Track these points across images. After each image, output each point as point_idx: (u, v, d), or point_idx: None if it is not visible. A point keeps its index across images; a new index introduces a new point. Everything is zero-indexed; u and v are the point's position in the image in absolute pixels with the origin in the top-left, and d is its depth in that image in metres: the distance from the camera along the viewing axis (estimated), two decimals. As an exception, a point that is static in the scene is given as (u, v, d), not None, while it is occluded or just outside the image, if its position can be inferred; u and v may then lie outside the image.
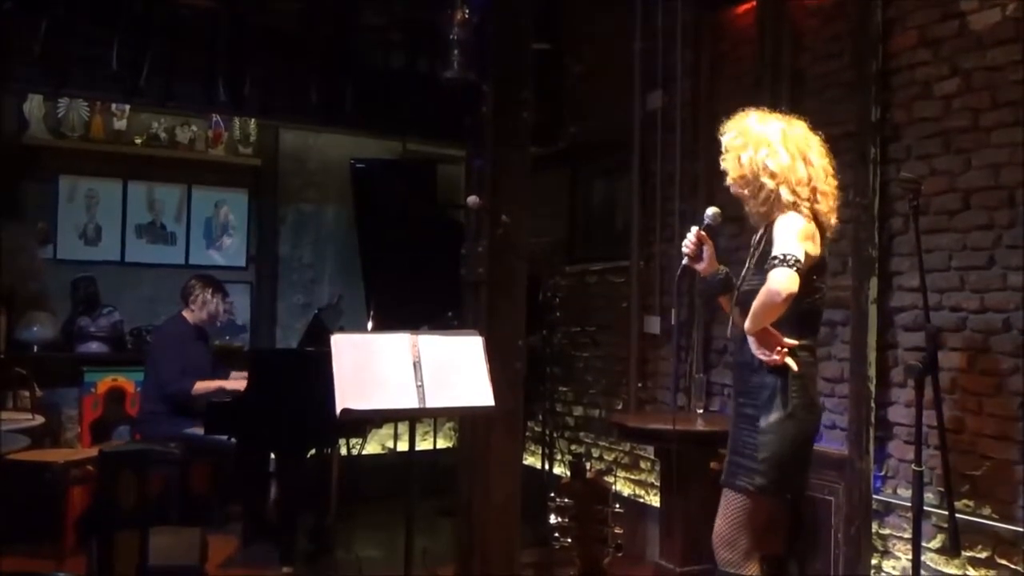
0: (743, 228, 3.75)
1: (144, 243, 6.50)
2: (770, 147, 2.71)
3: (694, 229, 2.87)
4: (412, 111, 5.68)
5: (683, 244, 2.87)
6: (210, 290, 5.34)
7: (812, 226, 2.69)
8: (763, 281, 2.66)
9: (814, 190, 2.71)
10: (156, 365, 5.12)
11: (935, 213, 3.54)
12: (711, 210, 2.87)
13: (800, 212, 2.68)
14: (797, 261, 2.56)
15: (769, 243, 2.70)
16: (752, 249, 2.91)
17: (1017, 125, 3.28)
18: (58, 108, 6.12)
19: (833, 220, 2.78)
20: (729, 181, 2.81)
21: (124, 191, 6.44)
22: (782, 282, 2.53)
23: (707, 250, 2.87)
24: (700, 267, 2.90)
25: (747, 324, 2.68)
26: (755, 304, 2.62)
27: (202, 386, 5.03)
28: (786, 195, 2.67)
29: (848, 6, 4.00)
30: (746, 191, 2.76)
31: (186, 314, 5.32)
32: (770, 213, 2.73)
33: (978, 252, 3.41)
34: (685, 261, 2.87)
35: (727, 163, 2.80)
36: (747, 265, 2.88)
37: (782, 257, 2.56)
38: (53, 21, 4.68)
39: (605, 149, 5.71)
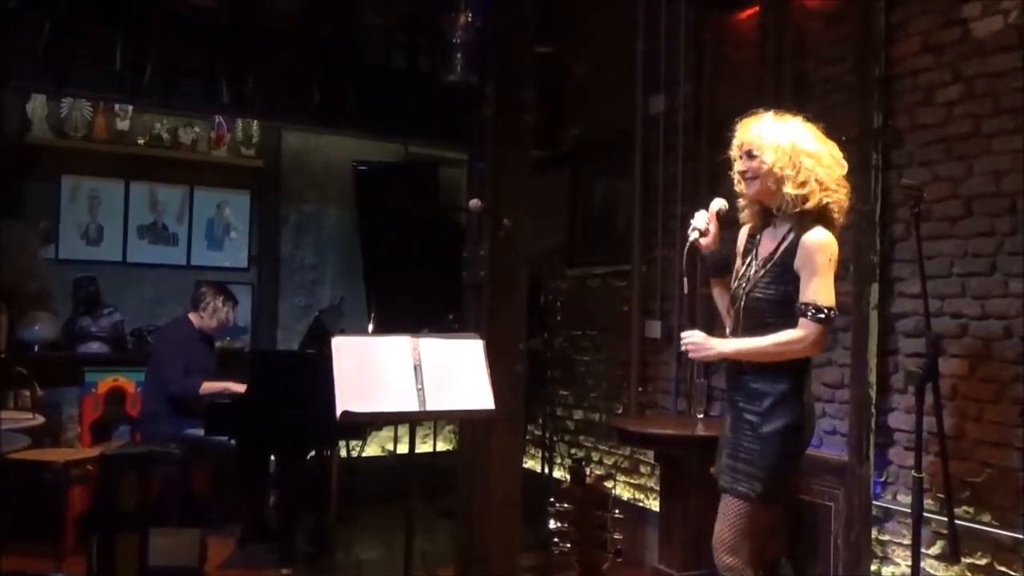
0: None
1: (146, 243, 6.52)
2: (805, 133, 2.77)
3: (711, 211, 2.93)
4: (414, 113, 5.68)
5: (696, 220, 2.91)
6: (221, 298, 5.35)
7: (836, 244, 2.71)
8: (780, 293, 2.70)
9: (839, 181, 2.74)
10: (160, 365, 5.11)
11: (937, 219, 3.53)
12: (719, 201, 2.94)
13: (830, 220, 2.71)
14: (833, 315, 2.66)
15: (792, 254, 2.69)
16: (751, 246, 2.88)
17: (1019, 132, 3.27)
18: (61, 108, 6.14)
19: (841, 221, 2.78)
20: (765, 169, 2.74)
21: (126, 191, 6.46)
22: (816, 340, 2.65)
23: (714, 227, 2.91)
24: (705, 241, 2.91)
25: (752, 347, 2.71)
26: (776, 343, 2.67)
27: (209, 386, 5.03)
28: (823, 174, 2.70)
29: (851, 11, 3.99)
30: (785, 173, 2.71)
31: (192, 317, 5.32)
32: (806, 199, 2.69)
33: (980, 259, 3.40)
34: (695, 235, 2.87)
35: (765, 151, 2.74)
36: (751, 266, 2.84)
37: (823, 311, 2.63)
38: (56, 21, 4.69)
39: (607, 151, 5.70)
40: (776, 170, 2.71)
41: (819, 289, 2.63)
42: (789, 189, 2.70)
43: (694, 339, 2.78)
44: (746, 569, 2.70)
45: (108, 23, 4.84)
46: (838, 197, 2.72)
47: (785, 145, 2.72)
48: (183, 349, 5.18)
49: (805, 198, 2.68)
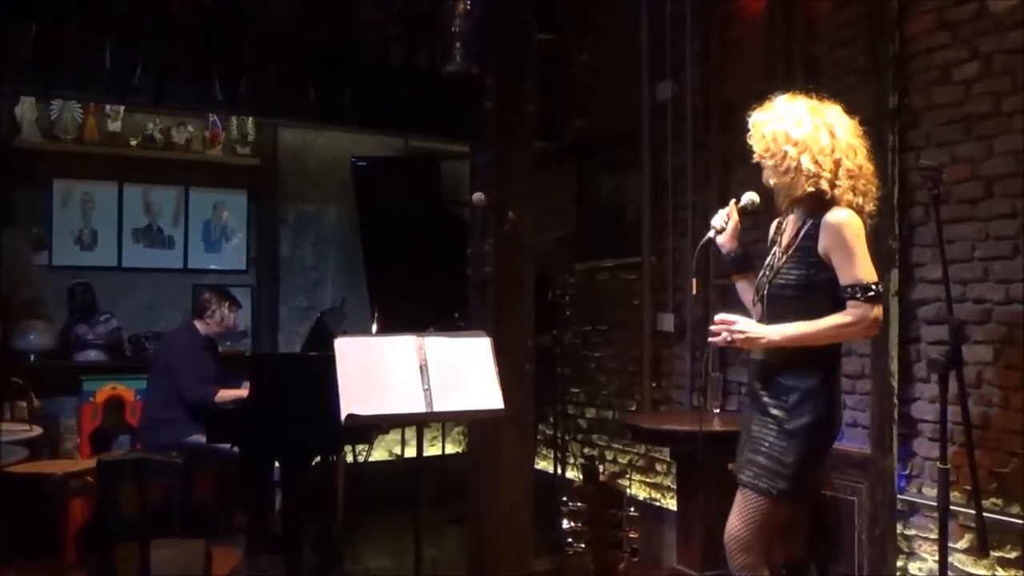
0: (756, 222, 3.66)
1: (141, 247, 6.40)
2: (794, 117, 2.68)
3: (731, 203, 2.89)
4: (413, 106, 5.61)
5: (715, 218, 2.90)
6: (227, 304, 5.28)
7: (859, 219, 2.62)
8: (802, 278, 2.63)
9: (837, 163, 2.62)
10: (174, 372, 4.99)
11: (957, 202, 3.47)
12: (751, 194, 2.87)
13: (841, 203, 2.60)
14: (880, 289, 2.57)
15: (812, 238, 2.62)
16: (777, 235, 2.82)
17: (1040, 109, 3.20)
18: (51, 110, 6.02)
19: (868, 207, 2.67)
20: (756, 157, 2.75)
21: (120, 194, 6.34)
22: (873, 319, 2.56)
23: (732, 224, 2.87)
24: (722, 240, 2.90)
25: (805, 331, 2.59)
26: (831, 326, 2.56)
27: (225, 394, 4.93)
28: (807, 163, 2.61)
29: (862, -11, 3.92)
30: (770, 163, 2.70)
31: (198, 325, 5.23)
32: (792, 186, 2.67)
33: (1002, 241, 3.34)
34: (712, 233, 2.88)
35: (753, 139, 2.75)
36: (775, 254, 2.78)
37: (870, 287, 2.54)
38: (44, 22, 4.63)
39: (613, 142, 5.65)
40: (766, 159, 2.71)
41: (858, 267, 2.55)
42: (774, 178, 2.72)
43: (741, 327, 2.66)
44: (760, 567, 2.65)
45: (97, 21, 4.78)
46: (837, 186, 2.61)
47: (769, 134, 2.70)
48: (193, 356, 5.09)
49: (789, 187, 2.68)
